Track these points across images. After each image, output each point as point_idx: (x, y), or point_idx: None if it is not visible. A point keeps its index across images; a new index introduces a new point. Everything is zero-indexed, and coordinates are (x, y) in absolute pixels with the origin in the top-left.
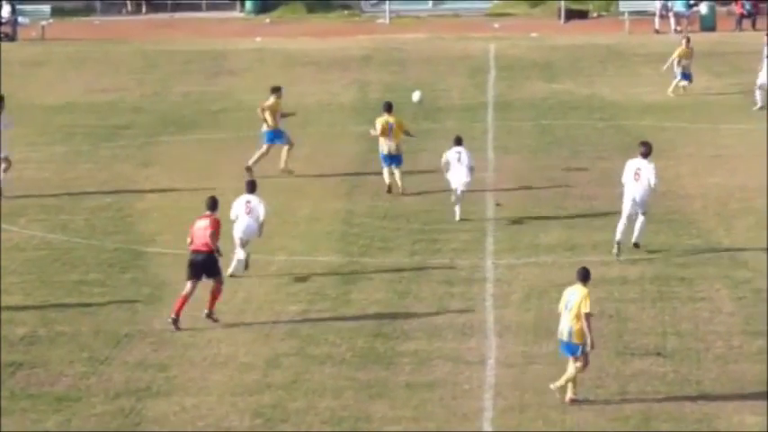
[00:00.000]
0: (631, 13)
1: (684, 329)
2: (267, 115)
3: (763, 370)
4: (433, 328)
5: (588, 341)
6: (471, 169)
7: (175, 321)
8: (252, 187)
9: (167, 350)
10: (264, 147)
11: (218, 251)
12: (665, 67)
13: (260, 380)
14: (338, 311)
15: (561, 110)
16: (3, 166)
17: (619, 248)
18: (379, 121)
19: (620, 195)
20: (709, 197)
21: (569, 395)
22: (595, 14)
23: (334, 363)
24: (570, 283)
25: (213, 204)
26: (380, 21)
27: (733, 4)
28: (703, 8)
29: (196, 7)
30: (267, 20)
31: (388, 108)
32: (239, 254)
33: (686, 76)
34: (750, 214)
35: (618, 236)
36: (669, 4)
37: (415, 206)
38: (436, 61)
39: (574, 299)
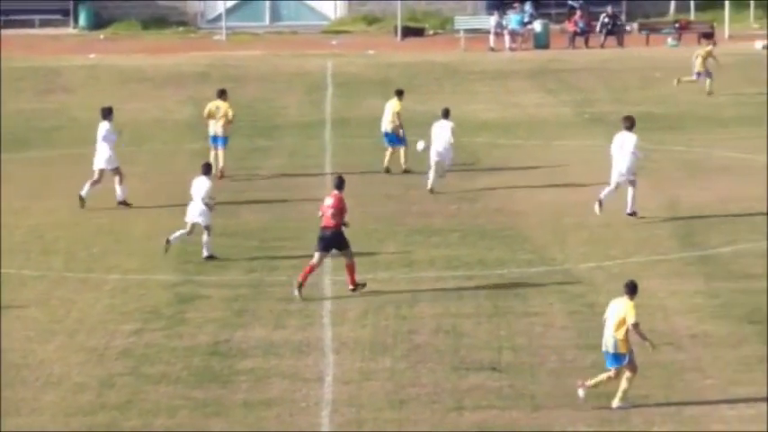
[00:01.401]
0: (467, 30)
1: (519, 344)
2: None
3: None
4: (270, 346)
5: (647, 345)
6: (449, 143)
7: (300, 287)
8: (206, 170)
9: None
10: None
11: (345, 224)
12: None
13: (93, 400)
14: (174, 330)
15: None
16: (117, 177)
17: (600, 206)
18: (209, 105)
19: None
20: (544, 213)
21: (615, 402)
22: (431, 32)
23: (170, 382)
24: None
25: (340, 183)
26: (217, 37)
27: (566, 21)
28: (537, 26)
29: (28, 24)
30: (101, 36)
31: (221, 94)
32: (180, 232)
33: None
34: (583, 229)
35: (601, 195)
36: (504, 21)
37: (252, 223)
38: (273, 78)
39: (617, 311)
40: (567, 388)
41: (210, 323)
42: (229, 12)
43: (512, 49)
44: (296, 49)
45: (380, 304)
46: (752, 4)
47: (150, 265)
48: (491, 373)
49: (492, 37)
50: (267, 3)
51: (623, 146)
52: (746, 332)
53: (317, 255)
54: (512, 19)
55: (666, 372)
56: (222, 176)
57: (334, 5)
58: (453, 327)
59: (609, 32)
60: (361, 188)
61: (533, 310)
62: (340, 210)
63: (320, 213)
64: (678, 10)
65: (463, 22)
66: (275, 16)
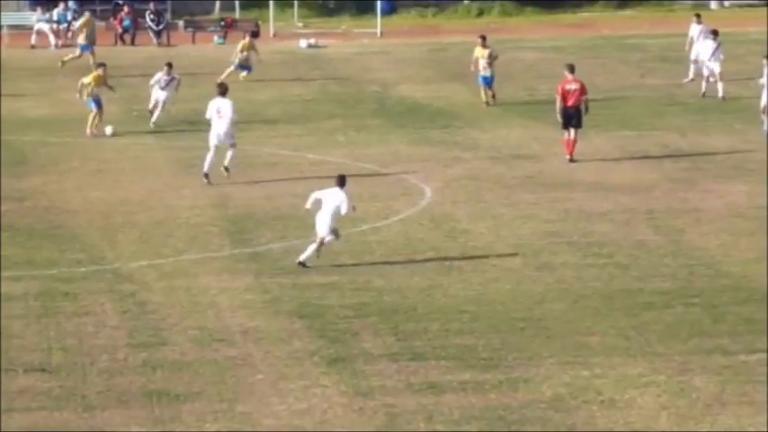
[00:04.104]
0: (10, 26)
1: (70, 344)
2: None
3: (148, 381)
4: None
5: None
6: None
7: (571, 160)
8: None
9: None
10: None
11: (586, 108)
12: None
13: None
14: None
15: None
16: None
17: (207, 179)
18: None
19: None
20: (93, 211)
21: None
22: None
23: None
24: None
25: (572, 68)
26: None
27: (112, 18)
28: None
29: None
30: None
31: None
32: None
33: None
34: (134, 228)
35: (206, 168)
36: (48, 18)
37: None
38: None
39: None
40: (118, 387)
41: None
42: None
43: (57, 47)
44: None
45: None
46: (296, 3)
47: None
48: (41, 374)
49: (34, 35)
50: None
51: (221, 112)
52: (296, 326)
53: (565, 132)
54: (56, 15)
55: (218, 368)
56: None
57: None
58: (4, 328)
59: (156, 30)
60: None
61: (84, 310)
62: (582, 92)
63: (559, 95)
64: (223, 8)
65: (7, 17)
66: None
